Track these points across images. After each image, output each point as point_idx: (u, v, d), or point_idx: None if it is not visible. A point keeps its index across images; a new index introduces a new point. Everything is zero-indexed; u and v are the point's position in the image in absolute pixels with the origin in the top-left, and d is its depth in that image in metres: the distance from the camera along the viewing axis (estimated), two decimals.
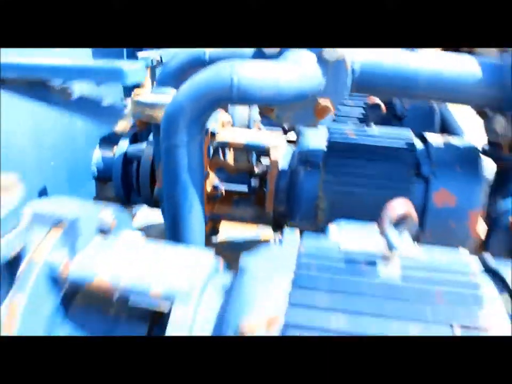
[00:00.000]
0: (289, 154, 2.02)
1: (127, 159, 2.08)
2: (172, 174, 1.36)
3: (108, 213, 1.14)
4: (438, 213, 1.77)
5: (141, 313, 1.16)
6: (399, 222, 0.94)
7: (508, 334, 0.87)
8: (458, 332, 0.86)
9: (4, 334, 0.91)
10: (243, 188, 2.04)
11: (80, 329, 1.08)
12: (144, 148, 2.05)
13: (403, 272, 0.95)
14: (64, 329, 1.05)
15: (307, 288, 0.91)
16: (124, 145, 2.10)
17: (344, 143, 1.89)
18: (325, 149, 1.89)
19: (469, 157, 1.90)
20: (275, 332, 0.86)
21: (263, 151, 2.00)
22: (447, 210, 1.76)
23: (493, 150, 2.18)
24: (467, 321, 0.86)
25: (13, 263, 0.94)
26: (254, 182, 2.03)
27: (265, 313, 0.89)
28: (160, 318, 1.12)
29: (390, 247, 0.95)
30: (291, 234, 1.14)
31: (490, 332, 0.86)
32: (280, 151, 1.98)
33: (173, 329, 0.96)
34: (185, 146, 1.31)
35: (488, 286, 0.97)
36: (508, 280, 0.98)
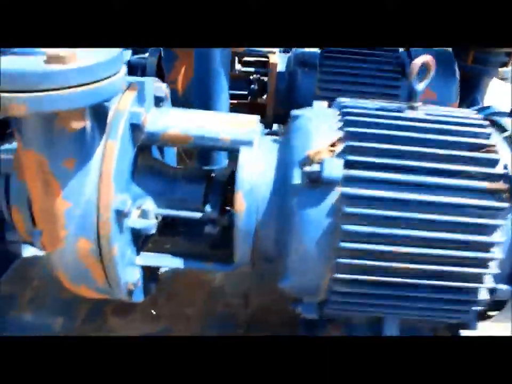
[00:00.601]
0: (285, 60, 2.18)
1: (131, 67, 2.15)
2: (205, 60, 1.50)
3: (163, 84, 1.26)
4: None
5: (197, 174, 1.32)
6: (422, 71, 1.15)
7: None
8: (472, 154, 1.09)
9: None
10: (243, 92, 2.18)
11: (145, 190, 1.21)
12: (147, 57, 2.12)
13: (426, 114, 1.18)
14: (134, 188, 1.18)
15: (355, 125, 1.11)
16: (126, 55, 2.16)
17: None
18: (320, 52, 2.06)
19: (445, 59, 2.14)
20: (337, 153, 1.06)
21: (262, 56, 2.14)
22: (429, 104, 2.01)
23: (458, 61, 2.46)
24: (478, 141, 1.11)
25: (100, 111, 1.05)
26: (254, 86, 2.17)
27: (326, 141, 1.08)
28: (213, 182, 1.29)
29: (415, 93, 1.17)
30: (320, 103, 1.32)
31: (496, 150, 1.10)
32: (277, 55, 2.13)
33: (243, 166, 1.13)
34: None
35: (489, 127, 1.22)
36: (503, 124, 1.24)
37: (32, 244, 1.31)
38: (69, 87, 0.81)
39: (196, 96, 1.57)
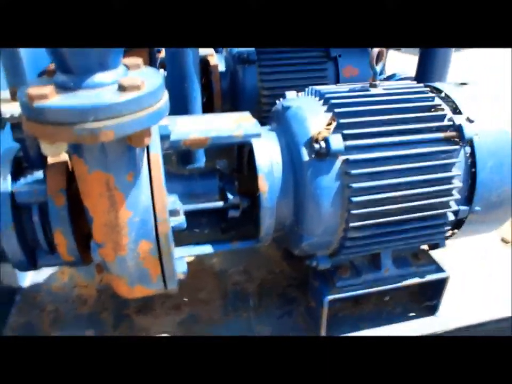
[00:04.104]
0: (222, 60, 2.38)
1: None
2: (178, 68, 1.66)
3: None
4: (347, 81, 2.37)
5: (207, 170, 1.50)
6: (378, 57, 1.46)
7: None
8: (426, 114, 1.43)
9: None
10: None
11: (170, 191, 1.35)
12: None
13: (384, 89, 1.49)
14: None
15: (339, 106, 1.38)
16: None
17: None
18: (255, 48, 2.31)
19: None
20: (332, 131, 1.32)
21: (201, 59, 2.32)
22: (353, 79, 2.37)
23: None
24: (428, 103, 1.45)
25: None
26: None
27: (321, 122, 1.34)
28: (223, 174, 1.47)
29: (375, 74, 1.48)
30: (291, 92, 1.57)
31: (442, 108, 1.45)
32: (216, 57, 2.33)
33: (259, 154, 1.34)
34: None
35: (430, 92, 1.56)
36: (438, 87, 1.60)
37: (71, 264, 1.39)
38: (143, 109, 0.96)
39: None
